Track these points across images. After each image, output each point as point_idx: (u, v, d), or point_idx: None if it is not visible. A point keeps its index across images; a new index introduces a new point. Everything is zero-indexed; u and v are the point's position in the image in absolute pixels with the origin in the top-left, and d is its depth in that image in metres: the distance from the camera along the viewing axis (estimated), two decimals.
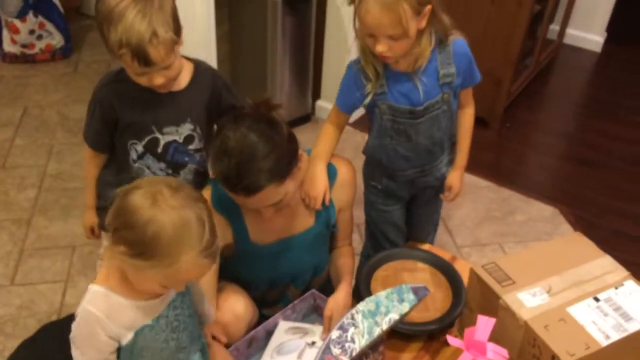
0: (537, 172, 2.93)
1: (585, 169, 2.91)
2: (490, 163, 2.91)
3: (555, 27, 3.75)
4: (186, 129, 1.47)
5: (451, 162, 1.77)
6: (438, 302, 1.58)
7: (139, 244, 1.01)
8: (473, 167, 2.79)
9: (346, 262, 1.63)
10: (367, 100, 1.56)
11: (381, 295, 1.21)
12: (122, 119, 1.45)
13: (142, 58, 1.25)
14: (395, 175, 1.71)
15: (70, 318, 1.14)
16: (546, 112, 3.36)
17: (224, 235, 1.40)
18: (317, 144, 1.59)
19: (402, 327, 1.47)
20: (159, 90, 1.40)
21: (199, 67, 1.49)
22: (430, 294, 1.59)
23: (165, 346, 1.19)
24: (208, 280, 1.39)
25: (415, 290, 1.24)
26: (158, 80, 1.33)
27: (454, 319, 1.51)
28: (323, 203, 1.50)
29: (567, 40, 3.93)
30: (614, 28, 3.92)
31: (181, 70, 1.41)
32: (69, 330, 1.15)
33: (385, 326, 1.17)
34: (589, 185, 2.79)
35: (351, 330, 1.13)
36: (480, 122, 3.10)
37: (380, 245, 1.86)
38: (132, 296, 1.11)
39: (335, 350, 1.10)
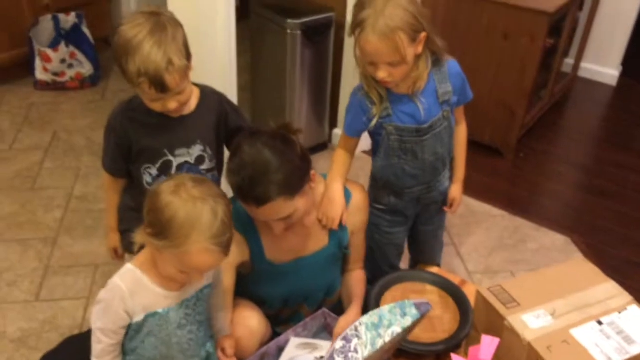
0: (550, 201, 2.97)
1: (598, 199, 2.94)
2: (504, 192, 2.95)
3: (570, 61, 3.82)
4: (197, 150, 1.56)
5: (451, 177, 1.86)
6: (446, 324, 1.62)
7: (157, 224, 1.14)
8: (486, 195, 2.86)
9: (358, 285, 1.68)
10: (373, 123, 1.64)
11: (384, 309, 1.26)
12: (135, 145, 1.54)
13: (160, 85, 1.35)
14: (403, 193, 1.77)
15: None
16: (560, 143, 3.40)
17: (241, 252, 1.48)
18: (332, 168, 1.67)
19: (410, 347, 1.52)
20: (172, 114, 1.49)
21: (205, 91, 1.58)
22: (439, 316, 1.65)
23: (168, 340, 1.28)
24: (224, 294, 1.45)
25: (417, 306, 1.29)
26: (172, 105, 1.42)
27: (461, 340, 1.55)
28: (340, 224, 1.57)
29: (582, 73, 4.00)
30: (629, 62, 3.97)
31: (191, 95, 1.50)
32: (90, 342, 1.26)
33: (387, 338, 1.21)
34: (602, 215, 2.81)
35: (354, 341, 1.18)
36: (494, 152, 3.17)
37: (380, 268, 1.91)
38: (157, 282, 1.24)
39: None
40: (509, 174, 3.10)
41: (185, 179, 1.18)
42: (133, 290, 1.23)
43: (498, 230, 2.65)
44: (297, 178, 1.36)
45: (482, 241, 2.58)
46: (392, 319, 1.24)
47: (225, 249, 1.17)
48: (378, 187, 1.80)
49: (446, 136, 1.71)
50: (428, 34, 1.53)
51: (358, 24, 1.48)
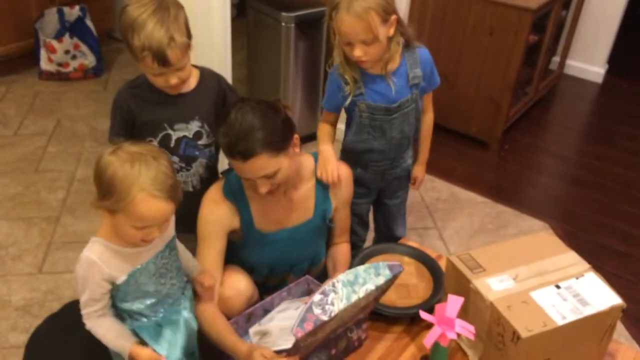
0: (532, 190, 3.09)
1: (578, 188, 3.07)
2: (488, 181, 3.07)
3: (557, 59, 3.95)
4: (195, 125, 1.69)
5: (413, 156, 2.02)
6: (421, 292, 1.75)
7: (102, 186, 1.25)
8: (471, 184, 2.99)
9: (343, 257, 1.81)
10: (348, 101, 1.79)
11: (360, 269, 1.38)
12: (138, 119, 1.67)
13: (162, 59, 1.48)
14: (368, 166, 1.93)
15: None
16: (545, 137, 3.53)
17: (232, 221, 1.60)
18: (319, 136, 1.87)
19: (386, 311, 1.65)
20: (172, 91, 1.62)
21: (205, 71, 1.72)
22: (414, 284, 1.77)
23: (154, 290, 1.41)
24: (214, 258, 1.58)
25: (390, 267, 1.41)
26: (173, 80, 1.55)
27: (433, 304, 1.67)
28: (322, 198, 1.70)
29: (569, 71, 4.12)
30: (615, 60, 4.10)
31: (191, 73, 1.63)
32: None
33: (362, 294, 1.33)
34: (581, 203, 2.93)
35: (331, 295, 1.30)
36: (479, 143, 3.31)
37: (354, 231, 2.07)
38: (123, 245, 1.34)
39: (317, 311, 1.27)
40: (494, 164, 3.23)
41: (125, 144, 1.28)
42: (102, 257, 1.32)
43: (480, 215, 2.78)
44: (279, 137, 1.48)
45: (464, 225, 2.71)
46: (366, 277, 1.36)
47: (169, 194, 1.25)
48: (347, 159, 1.92)
49: (412, 117, 1.87)
50: (398, 17, 1.69)
51: (334, 7, 1.64)
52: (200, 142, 1.71)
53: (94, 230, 2.47)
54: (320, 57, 3.07)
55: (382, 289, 1.45)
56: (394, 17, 1.67)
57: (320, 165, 1.70)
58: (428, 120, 1.98)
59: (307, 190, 1.68)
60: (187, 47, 1.53)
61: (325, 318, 1.27)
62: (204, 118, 1.70)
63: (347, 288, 1.33)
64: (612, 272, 2.44)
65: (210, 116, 1.71)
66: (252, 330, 1.57)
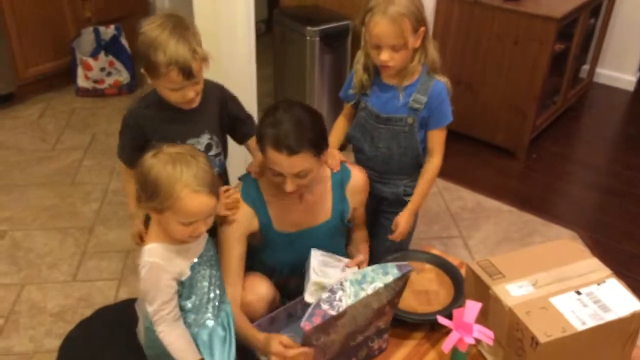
0: (560, 199, 3.06)
1: (608, 197, 3.02)
2: (514, 190, 3.06)
3: (587, 67, 3.91)
4: (205, 139, 1.74)
5: (409, 191, 1.94)
6: (441, 298, 1.76)
7: (147, 188, 1.32)
8: (497, 193, 2.98)
9: (364, 235, 1.90)
10: (355, 100, 1.89)
11: (368, 269, 1.41)
12: (150, 137, 1.69)
13: (187, 72, 1.54)
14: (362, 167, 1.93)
15: (123, 304, 1.46)
16: (573, 145, 3.49)
17: (251, 224, 1.66)
18: (331, 135, 1.92)
19: (408, 317, 1.66)
20: (186, 106, 1.65)
21: (207, 84, 1.74)
22: (435, 291, 1.78)
23: (208, 283, 1.47)
24: (235, 262, 1.63)
25: (399, 267, 1.44)
26: (191, 94, 1.60)
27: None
28: (339, 200, 1.75)
29: (600, 79, 4.07)
30: None
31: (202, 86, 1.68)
32: (120, 313, 1.46)
33: (370, 291, 1.36)
34: (610, 212, 2.89)
35: (339, 293, 1.33)
36: (506, 152, 3.29)
37: None
38: (175, 243, 1.41)
39: (325, 306, 1.30)
40: (521, 173, 3.21)
41: (164, 146, 1.36)
42: (166, 258, 1.39)
43: (506, 224, 2.76)
44: (322, 140, 1.56)
45: (490, 234, 2.70)
46: (375, 276, 1.39)
47: (210, 188, 1.34)
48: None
49: (405, 140, 1.84)
50: (426, 30, 1.74)
51: (369, 10, 1.70)
52: (211, 153, 1.77)
53: (125, 239, 2.61)
54: (345, 70, 3.12)
55: (393, 289, 1.46)
56: (423, 28, 1.72)
57: (328, 160, 1.74)
58: (430, 165, 1.87)
59: (324, 192, 1.72)
60: (207, 59, 1.60)
61: (333, 313, 1.30)
62: (212, 130, 1.75)
63: (355, 286, 1.36)
64: None
65: (217, 127, 1.77)
66: (313, 279, 1.60)
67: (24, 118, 3.55)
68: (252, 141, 1.83)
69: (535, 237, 2.68)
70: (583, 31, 3.37)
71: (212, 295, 1.50)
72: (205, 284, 1.48)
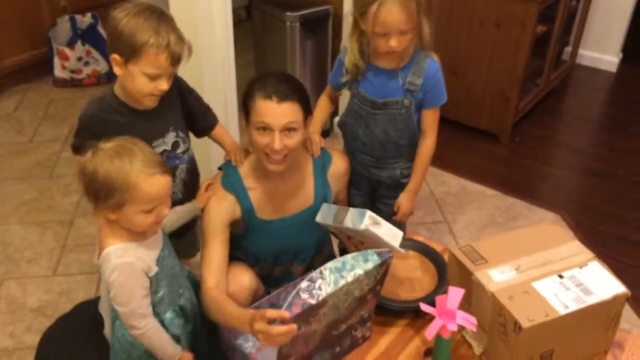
0: (543, 182, 3.06)
1: (591, 179, 3.03)
2: (498, 174, 3.05)
3: (569, 49, 3.90)
4: (171, 137, 1.68)
5: (407, 174, 1.94)
6: (425, 285, 1.75)
7: (100, 190, 1.28)
8: (481, 177, 2.97)
9: None
10: (344, 88, 1.86)
11: (348, 256, 1.38)
12: None
13: (176, 57, 1.49)
14: (356, 155, 1.93)
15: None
16: (557, 128, 3.49)
17: (234, 211, 1.63)
18: (314, 114, 1.84)
19: (390, 304, 1.65)
20: (150, 103, 1.58)
21: None
22: (419, 278, 1.77)
23: (173, 272, 1.46)
24: (219, 250, 1.60)
25: (379, 253, 1.42)
26: (164, 85, 1.54)
27: None
28: (321, 184, 1.73)
29: (582, 61, 4.07)
30: (629, 49, 4.04)
31: None
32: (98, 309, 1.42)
33: (350, 279, 1.34)
34: (594, 195, 2.90)
35: (319, 281, 1.31)
36: (490, 136, 3.28)
37: None
38: (137, 239, 1.38)
39: (304, 296, 1.28)
40: (505, 157, 3.20)
41: (99, 145, 1.32)
42: (134, 255, 1.36)
43: (490, 208, 2.76)
44: (308, 103, 1.57)
45: (474, 219, 2.69)
46: (354, 264, 1.37)
47: (162, 167, 1.33)
48: (343, 144, 1.97)
49: (402, 123, 1.82)
50: (420, 7, 1.69)
51: (373, 1, 1.62)
52: (178, 151, 1.72)
53: None
54: (327, 56, 3.08)
55: (374, 276, 1.44)
56: (422, 8, 1.69)
57: (307, 141, 1.72)
58: (425, 146, 1.85)
59: (305, 177, 1.70)
60: (191, 51, 1.55)
61: (313, 302, 1.28)
62: (177, 127, 1.70)
63: (334, 274, 1.34)
64: (629, 263, 2.40)
65: (181, 122, 1.71)
66: (369, 213, 1.55)
67: (0, 110, 3.48)
68: (217, 130, 1.82)
69: (520, 220, 2.68)
70: (565, 13, 3.35)
71: (175, 289, 1.48)
72: (170, 279, 1.46)
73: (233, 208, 1.63)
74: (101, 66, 3.77)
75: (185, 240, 1.88)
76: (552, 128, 3.47)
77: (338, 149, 1.85)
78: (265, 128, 1.52)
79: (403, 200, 1.91)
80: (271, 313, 1.26)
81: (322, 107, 1.95)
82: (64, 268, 2.40)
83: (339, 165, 1.76)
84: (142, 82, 1.54)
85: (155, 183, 1.31)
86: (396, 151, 1.89)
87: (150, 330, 1.41)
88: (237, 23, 2.47)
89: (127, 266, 1.34)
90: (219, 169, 1.70)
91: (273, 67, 3.12)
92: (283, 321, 1.25)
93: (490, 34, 3.05)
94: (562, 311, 1.41)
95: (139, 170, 1.29)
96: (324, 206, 1.65)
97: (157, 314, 1.45)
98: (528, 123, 3.43)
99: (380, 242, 1.55)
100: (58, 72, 3.71)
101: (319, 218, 1.64)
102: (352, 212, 1.56)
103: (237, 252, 1.71)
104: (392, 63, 1.77)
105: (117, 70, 1.54)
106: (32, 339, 2.07)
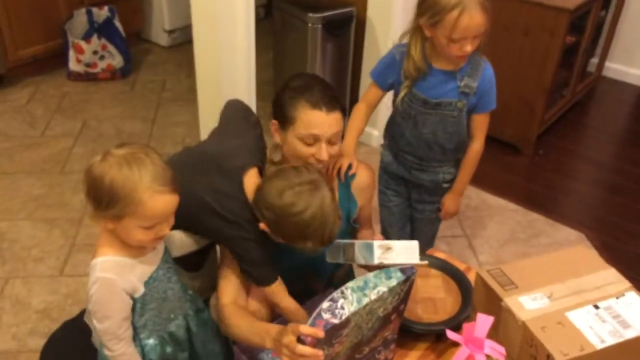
0: (567, 198, 2.97)
1: (615, 196, 2.93)
2: (520, 187, 2.96)
3: (595, 61, 3.80)
4: None
5: (450, 179, 1.93)
6: (448, 306, 1.66)
7: (103, 197, 1.18)
8: (502, 190, 2.88)
9: (369, 235, 1.78)
10: (402, 95, 1.78)
11: (369, 275, 1.30)
12: None
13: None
14: (398, 154, 1.89)
15: None
16: (581, 141, 3.39)
17: None
18: (349, 124, 1.81)
19: (412, 326, 1.57)
20: None
21: None
22: (442, 298, 1.69)
23: (165, 296, 1.35)
24: (238, 272, 1.52)
25: (402, 270, 1.34)
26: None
27: (461, 321, 1.59)
28: (345, 198, 1.63)
29: (609, 73, 3.96)
30: None
31: None
32: None
33: (373, 297, 1.25)
34: (618, 212, 2.80)
35: (340, 301, 1.23)
36: (512, 148, 3.19)
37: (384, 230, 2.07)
38: (132, 255, 1.28)
39: (326, 316, 1.20)
40: (527, 170, 3.11)
41: (111, 149, 1.22)
42: (119, 273, 1.26)
43: (511, 223, 2.67)
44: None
45: (494, 234, 2.60)
46: (377, 281, 1.29)
47: (172, 186, 1.22)
48: (385, 143, 1.94)
49: (451, 126, 1.78)
50: None
51: (453, 7, 1.59)
52: None
53: None
54: (348, 58, 3.00)
55: (398, 294, 1.36)
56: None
57: (338, 159, 1.63)
58: (474, 148, 1.87)
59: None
60: None
61: (335, 321, 1.20)
62: None
63: (357, 293, 1.26)
64: None
65: None
66: (377, 243, 1.47)
67: (13, 102, 3.43)
68: None
69: (542, 238, 2.59)
70: (594, 23, 3.25)
71: (165, 314, 1.38)
72: (159, 302, 1.36)
73: None
74: (116, 61, 3.71)
75: (201, 275, 1.69)
76: (577, 142, 3.37)
77: (362, 161, 1.76)
78: (313, 140, 1.44)
79: (448, 201, 1.94)
80: (305, 328, 1.17)
81: (358, 120, 1.85)
82: (72, 268, 2.33)
83: (363, 177, 1.68)
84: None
85: (160, 201, 1.20)
86: (442, 154, 1.86)
87: (124, 356, 1.30)
88: (255, 22, 2.39)
89: (107, 282, 1.24)
90: None
91: (292, 68, 3.04)
92: (312, 343, 1.17)
93: (517, 41, 2.96)
94: (599, 345, 1.32)
95: (147, 185, 1.18)
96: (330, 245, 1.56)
97: (138, 339, 1.36)
98: (552, 135, 3.33)
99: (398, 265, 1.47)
100: (73, 65, 3.65)
101: (329, 258, 1.56)
102: (359, 246, 1.48)
103: None
104: (452, 65, 1.73)
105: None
106: (36, 342, 2.01)
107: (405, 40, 1.76)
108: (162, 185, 1.19)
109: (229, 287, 1.49)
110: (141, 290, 1.30)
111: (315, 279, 1.71)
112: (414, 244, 1.46)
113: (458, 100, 1.74)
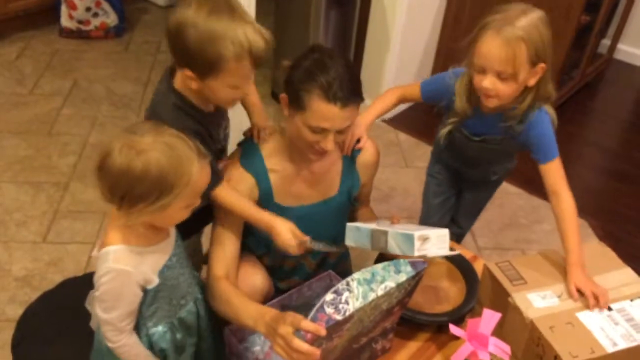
0: (571, 184, 2.85)
1: (620, 184, 2.85)
2: (524, 171, 2.84)
3: (607, 42, 3.67)
4: (224, 125, 1.50)
5: (498, 173, 1.89)
6: (451, 297, 1.58)
7: (154, 190, 1.09)
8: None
9: (367, 215, 1.70)
10: (445, 131, 1.67)
11: (378, 266, 1.21)
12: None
13: (260, 59, 1.25)
14: (448, 165, 1.91)
15: (90, 275, 1.22)
16: (588, 125, 3.29)
17: (251, 192, 1.45)
18: (377, 100, 1.70)
19: (413, 316, 1.48)
20: (232, 106, 1.42)
21: None
22: (445, 288, 1.61)
23: (177, 283, 1.28)
24: (233, 237, 1.45)
25: (413, 264, 1.25)
26: (249, 89, 1.41)
27: (465, 313, 1.51)
28: (348, 173, 1.55)
29: (619, 56, 3.84)
30: None
31: None
32: (87, 285, 1.24)
33: (380, 292, 1.17)
34: (623, 201, 2.72)
35: (345, 294, 1.14)
36: None
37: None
38: (148, 243, 1.20)
39: (329, 310, 1.11)
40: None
41: (121, 139, 1.11)
42: (135, 264, 1.19)
43: (513, 208, 2.59)
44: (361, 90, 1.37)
45: (495, 218, 2.52)
46: (385, 275, 1.20)
47: (206, 156, 1.18)
48: (433, 152, 1.93)
49: (496, 157, 1.78)
50: (546, 70, 1.45)
51: (483, 26, 1.42)
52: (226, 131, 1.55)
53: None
54: (352, 31, 2.87)
55: (405, 289, 1.28)
56: (542, 65, 1.43)
57: (350, 130, 1.49)
58: (563, 209, 1.55)
59: (332, 164, 1.52)
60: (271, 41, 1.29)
61: (339, 317, 1.12)
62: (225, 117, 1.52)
63: (363, 287, 1.18)
64: None
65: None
66: (417, 234, 1.33)
67: (1, 57, 3.27)
68: (251, 97, 1.55)
69: (545, 224, 2.51)
70: (610, 2, 3.12)
71: (176, 300, 1.31)
72: (171, 290, 1.29)
73: (251, 190, 1.45)
74: (110, 19, 3.55)
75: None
76: (584, 125, 3.27)
77: (371, 138, 1.65)
78: (321, 130, 1.33)
79: (579, 283, 1.39)
80: (306, 324, 1.09)
81: (387, 102, 1.71)
82: (55, 235, 2.23)
83: (369, 153, 1.57)
84: (226, 93, 1.30)
85: (205, 174, 1.17)
86: (489, 165, 1.82)
87: (125, 347, 1.24)
88: None
89: (122, 274, 1.16)
90: (239, 145, 1.52)
91: (294, 37, 2.90)
92: (312, 339, 1.09)
93: None
94: (610, 349, 1.25)
95: (195, 159, 1.13)
96: (351, 227, 1.45)
97: (145, 328, 1.28)
98: (558, 118, 3.18)
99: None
100: (65, 21, 3.49)
101: (348, 241, 1.46)
102: (394, 236, 1.35)
103: (248, 238, 1.54)
104: (493, 112, 1.56)
105: (193, 85, 1.29)
106: (14, 310, 1.93)
107: (464, 67, 1.57)
108: (203, 158, 1.16)
109: (222, 260, 1.41)
110: (155, 281, 1.22)
111: (308, 259, 1.63)
112: (445, 233, 1.36)
113: (503, 138, 1.62)
